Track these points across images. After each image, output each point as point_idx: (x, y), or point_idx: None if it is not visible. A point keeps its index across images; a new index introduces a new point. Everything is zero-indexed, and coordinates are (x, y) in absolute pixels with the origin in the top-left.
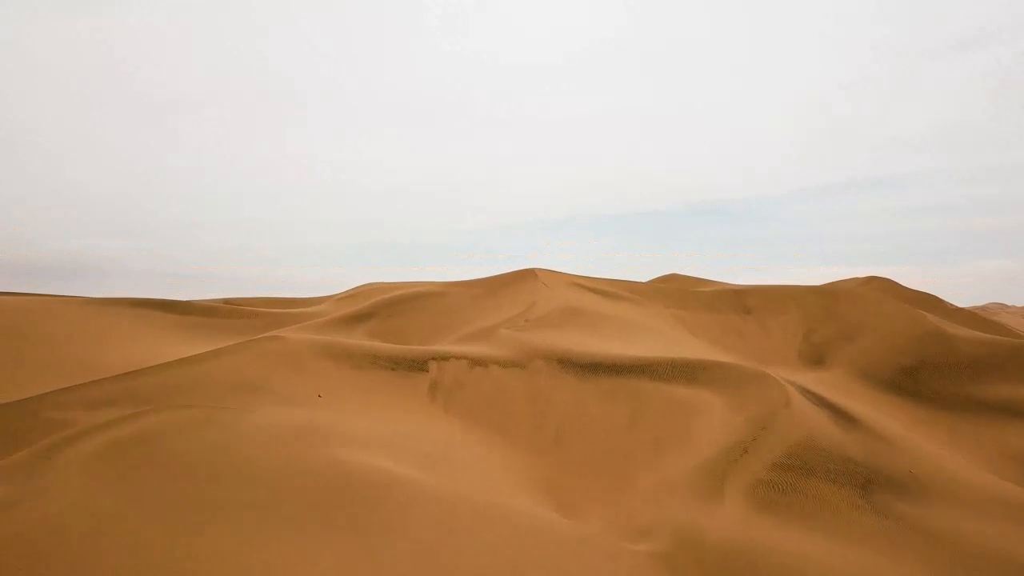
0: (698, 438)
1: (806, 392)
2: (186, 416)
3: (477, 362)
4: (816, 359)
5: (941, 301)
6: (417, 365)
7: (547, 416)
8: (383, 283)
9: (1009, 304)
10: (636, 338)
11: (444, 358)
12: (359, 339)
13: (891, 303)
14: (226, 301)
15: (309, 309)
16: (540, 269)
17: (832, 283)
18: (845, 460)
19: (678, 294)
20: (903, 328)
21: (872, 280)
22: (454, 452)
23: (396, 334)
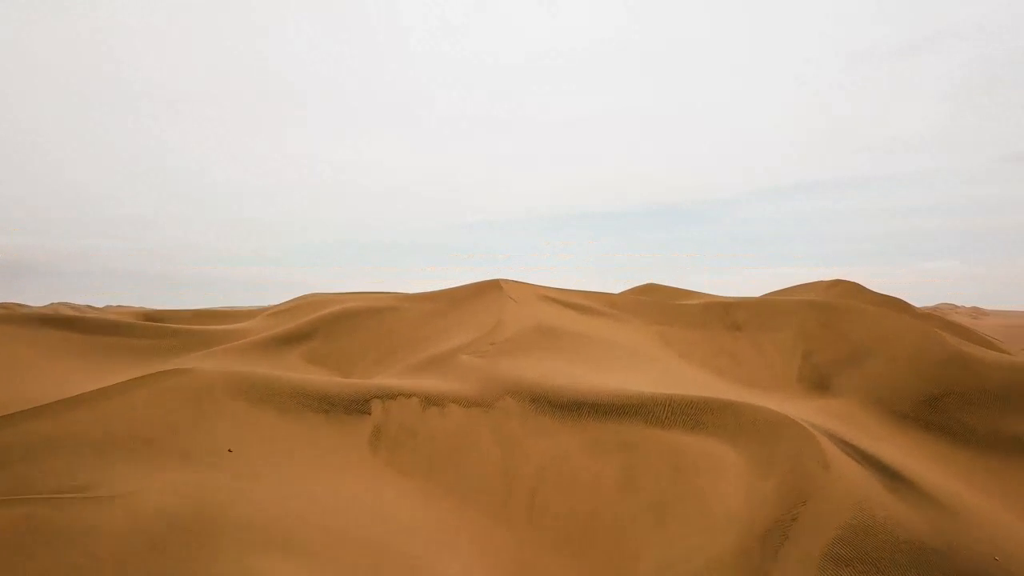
0: (713, 508)
1: (838, 441)
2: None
3: (432, 401)
4: (819, 384)
5: (909, 306)
6: (356, 406)
7: (519, 473)
8: (326, 294)
9: (958, 304)
10: (621, 364)
11: (391, 396)
12: (292, 365)
13: (901, 320)
14: (147, 315)
15: (238, 326)
16: (506, 280)
17: (823, 296)
18: (914, 548)
19: (660, 308)
20: (920, 350)
21: (838, 283)
22: (400, 541)
23: (337, 359)
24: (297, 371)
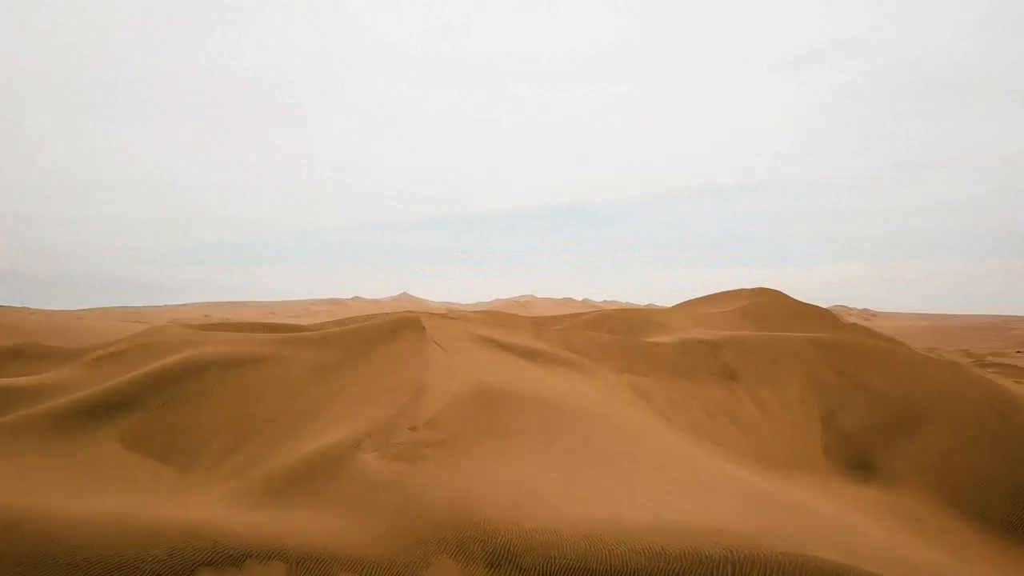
0: None
1: None
2: None
3: (308, 568)
4: (857, 462)
5: (833, 315)
6: None
7: None
8: (182, 327)
9: (850, 306)
10: (615, 461)
11: (232, 560)
12: (102, 452)
13: (946, 368)
14: None
15: (40, 379)
16: (428, 314)
17: (748, 303)
18: None
19: (629, 350)
20: (1002, 417)
21: (762, 292)
22: None
23: (171, 442)
24: (106, 463)
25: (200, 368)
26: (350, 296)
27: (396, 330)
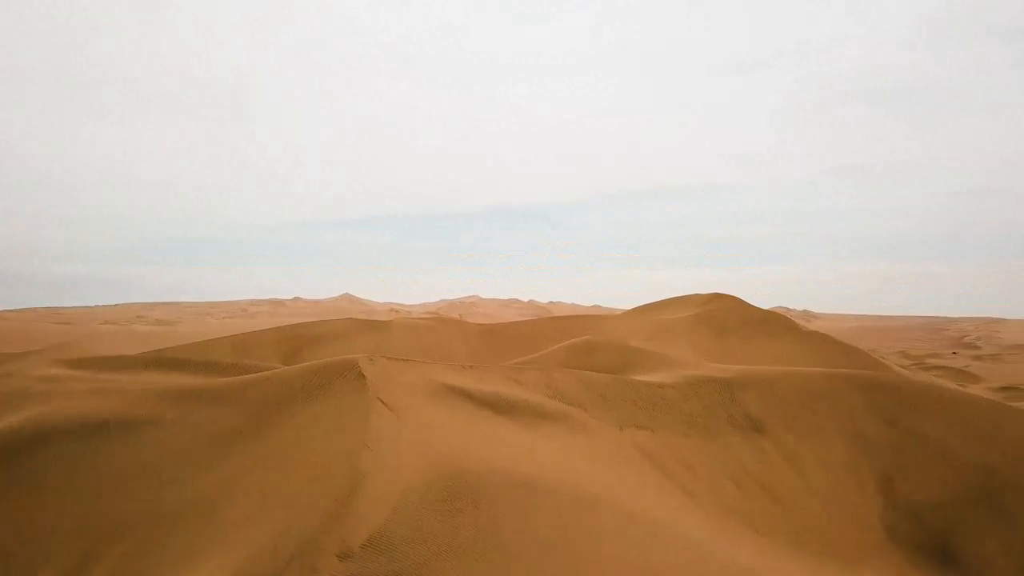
0: None
1: None
2: None
3: None
4: (932, 545)
5: (793, 323)
6: None
7: None
8: (59, 360)
9: (790, 307)
10: None
11: None
12: None
13: (1012, 414)
14: None
15: None
16: (372, 359)
17: (703, 310)
18: None
19: (628, 394)
20: None
21: (717, 297)
22: None
23: None
24: None
25: (43, 436)
26: (291, 296)
27: (325, 382)
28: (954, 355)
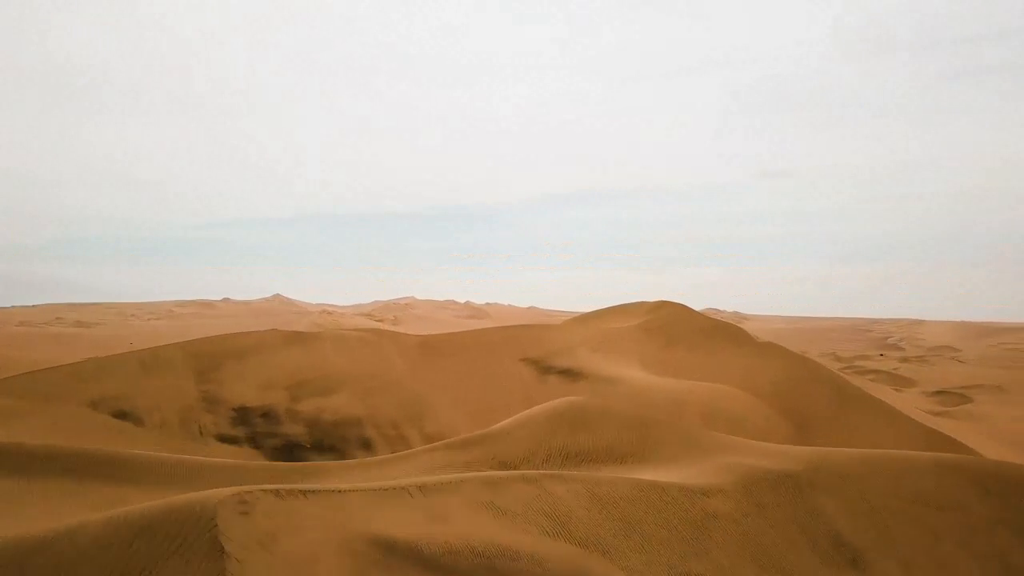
0: None
1: None
2: None
3: None
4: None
5: (744, 331)
6: None
7: None
8: None
9: (720, 309)
10: None
11: None
12: None
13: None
14: None
15: None
16: (247, 501)
17: (649, 318)
18: None
19: (665, 514)
20: None
21: (664, 305)
22: None
23: None
24: None
25: None
26: (220, 297)
27: (165, 553)
28: (881, 356)
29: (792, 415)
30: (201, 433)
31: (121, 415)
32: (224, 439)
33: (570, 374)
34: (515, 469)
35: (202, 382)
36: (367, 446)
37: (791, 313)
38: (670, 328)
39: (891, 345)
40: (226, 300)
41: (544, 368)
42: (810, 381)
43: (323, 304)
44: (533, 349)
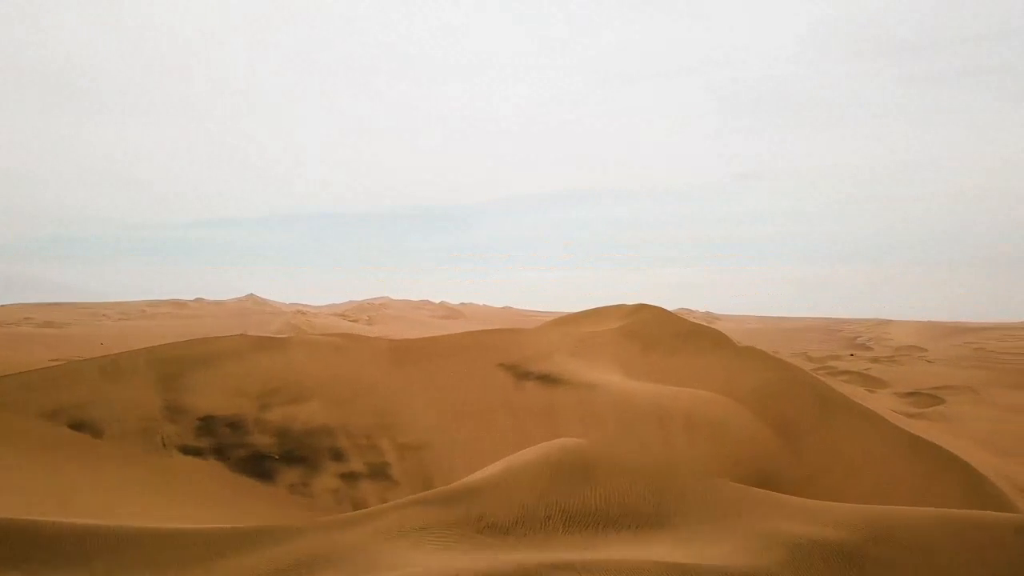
0: None
1: None
2: None
3: None
4: None
5: (725, 336)
6: None
7: None
8: None
9: (692, 309)
10: None
11: None
12: None
13: None
14: None
15: None
16: None
17: (626, 322)
18: None
19: None
20: None
21: (643, 308)
22: None
23: None
24: None
25: None
26: (193, 297)
27: None
28: (852, 356)
29: (775, 422)
30: (164, 444)
31: (79, 426)
32: (188, 451)
33: (548, 379)
34: (507, 534)
35: (166, 390)
36: (339, 456)
37: (763, 313)
38: (649, 332)
39: (860, 345)
40: (199, 300)
41: (521, 374)
42: (792, 386)
43: (297, 304)
44: (509, 354)
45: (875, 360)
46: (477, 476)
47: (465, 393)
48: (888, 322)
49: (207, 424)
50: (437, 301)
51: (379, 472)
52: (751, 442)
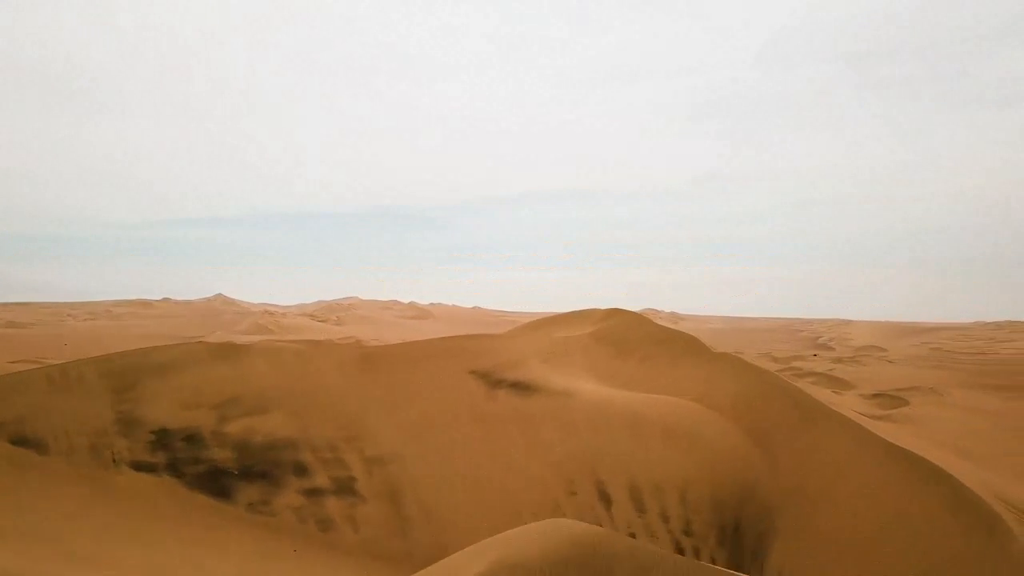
0: None
1: None
2: None
3: None
4: None
5: (699, 342)
6: None
7: None
8: None
9: (658, 309)
10: None
11: None
12: None
13: None
14: None
15: None
16: None
17: (599, 327)
18: None
19: None
20: None
21: (615, 313)
22: None
23: None
24: None
25: None
26: (160, 297)
27: None
28: (815, 357)
29: (753, 431)
30: (114, 461)
31: (21, 441)
32: (140, 467)
33: (521, 387)
34: None
35: (118, 402)
36: (302, 471)
37: (727, 313)
38: (623, 337)
39: (822, 345)
40: (166, 300)
41: (494, 381)
42: (770, 394)
43: (266, 304)
44: (481, 360)
45: (838, 360)
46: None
47: (435, 402)
48: (849, 322)
49: (161, 438)
50: (406, 301)
51: (345, 487)
52: (729, 452)
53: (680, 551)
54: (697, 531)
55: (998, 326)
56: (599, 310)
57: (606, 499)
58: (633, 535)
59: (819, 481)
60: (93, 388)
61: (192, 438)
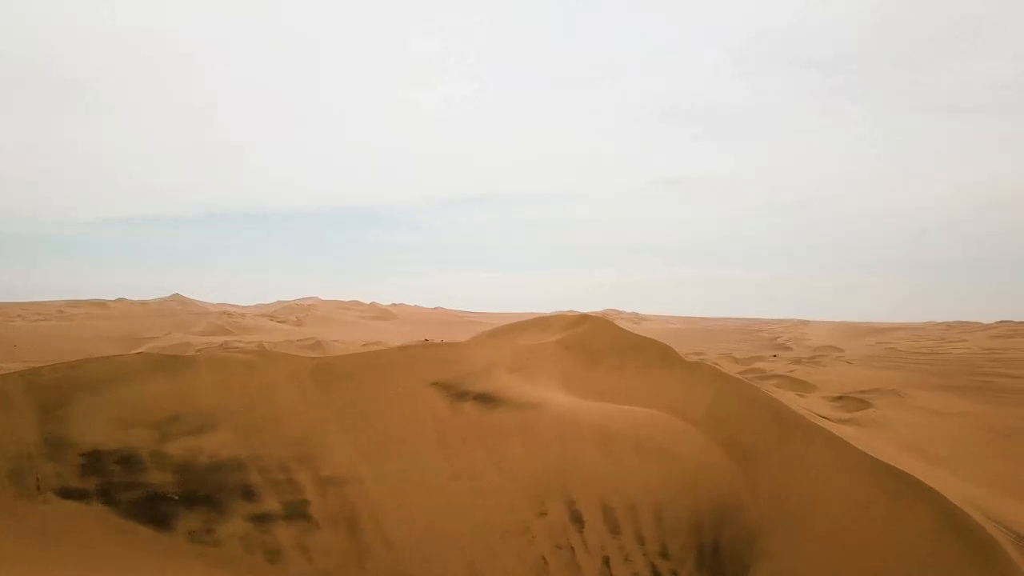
0: None
1: None
2: None
3: None
4: None
5: (669, 349)
6: None
7: None
8: None
9: (620, 310)
10: None
11: None
12: None
13: None
14: None
15: None
16: None
17: (570, 333)
18: None
19: None
20: None
21: (584, 320)
22: None
23: None
24: None
25: None
26: (115, 297)
27: None
28: (775, 357)
29: (730, 445)
30: (39, 488)
31: None
32: (68, 494)
33: (486, 399)
34: None
35: (45, 421)
36: (249, 495)
37: (687, 314)
38: (593, 345)
39: (781, 345)
40: (121, 300)
41: (458, 393)
42: (747, 406)
43: (224, 304)
44: (444, 371)
45: (797, 361)
46: None
47: (395, 417)
48: (806, 322)
49: (93, 461)
50: (367, 302)
51: (296, 512)
52: (707, 468)
53: (657, 575)
54: (674, 553)
55: (948, 326)
56: (567, 315)
57: (578, 520)
58: (607, 559)
59: (801, 499)
60: (17, 405)
61: (128, 460)
